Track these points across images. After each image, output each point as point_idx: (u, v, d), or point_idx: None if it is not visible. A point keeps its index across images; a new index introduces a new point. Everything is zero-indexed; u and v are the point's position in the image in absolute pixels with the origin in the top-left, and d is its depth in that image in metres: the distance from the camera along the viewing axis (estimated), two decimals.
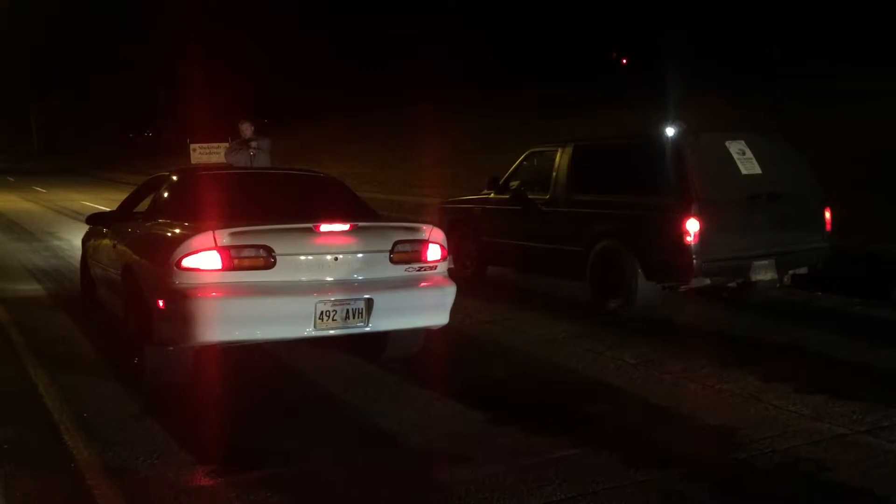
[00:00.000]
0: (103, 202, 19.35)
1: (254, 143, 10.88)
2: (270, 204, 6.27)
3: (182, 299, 5.09)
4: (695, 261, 7.18)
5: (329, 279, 5.41)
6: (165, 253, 5.29)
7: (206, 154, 35.31)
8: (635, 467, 4.21)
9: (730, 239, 7.40)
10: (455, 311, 6.02)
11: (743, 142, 7.77)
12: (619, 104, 22.50)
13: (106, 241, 6.93)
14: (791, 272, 7.95)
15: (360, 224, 5.68)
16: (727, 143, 7.72)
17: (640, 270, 7.54)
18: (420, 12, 37.36)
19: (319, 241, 5.43)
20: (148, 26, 47.79)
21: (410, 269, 5.70)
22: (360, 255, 5.55)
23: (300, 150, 30.86)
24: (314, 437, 4.75)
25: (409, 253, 5.70)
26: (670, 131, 7.88)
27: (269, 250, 5.21)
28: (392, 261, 5.61)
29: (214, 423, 4.99)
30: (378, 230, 5.83)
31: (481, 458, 4.37)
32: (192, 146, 35.89)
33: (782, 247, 7.66)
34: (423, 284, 5.75)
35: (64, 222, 17.65)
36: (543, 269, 9.04)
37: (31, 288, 9.55)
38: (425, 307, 5.80)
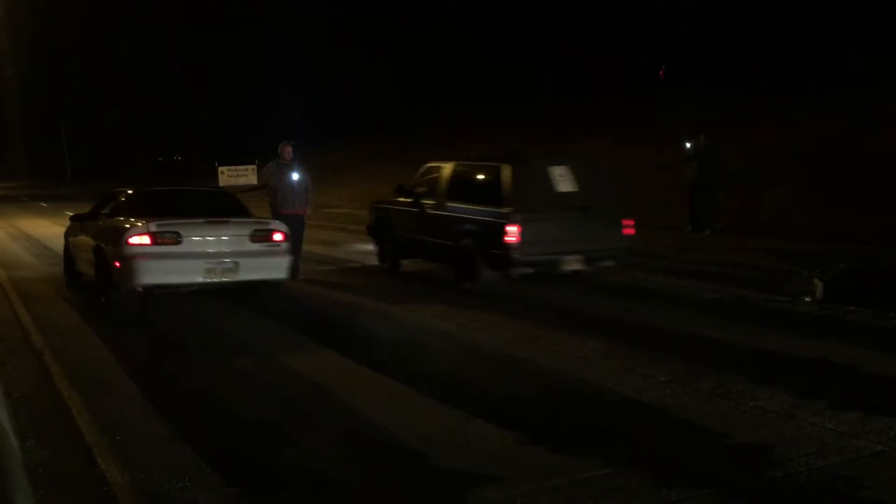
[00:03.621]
0: None
1: (293, 166, 11.49)
2: (182, 208, 9.67)
3: (129, 261, 8.66)
4: (514, 256, 9.69)
5: (213, 250, 8.97)
6: (119, 236, 8.84)
7: (234, 176, 35.84)
8: (668, 487, 4.16)
9: (543, 238, 9.79)
10: (483, 328, 7.29)
11: (564, 166, 10.30)
12: (666, 121, 21.84)
13: (83, 233, 10.48)
14: (599, 264, 10.43)
15: (232, 220, 9.39)
16: (549, 168, 10.27)
17: (484, 261, 10.09)
18: (436, 28, 37.55)
19: (208, 228, 9.07)
20: (177, 51, 48.55)
21: (262, 246, 9.23)
22: (232, 237, 9.12)
23: (329, 170, 31.07)
24: (344, 457, 4.76)
25: (260, 236, 9.27)
26: (510, 159, 10.60)
27: (178, 234, 8.79)
28: (251, 240, 9.18)
29: (244, 445, 5.01)
30: (243, 223, 9.40)
31: (511, 478, 4.35)
32: (221, 169, 36.46)
33: (588, 245, 10.10)
34: (269, 255, 9.28)
35: None
36: (432, 257, 11.52)
37: (64, 311, 9.67)
38: (270, 267, 9.30)
